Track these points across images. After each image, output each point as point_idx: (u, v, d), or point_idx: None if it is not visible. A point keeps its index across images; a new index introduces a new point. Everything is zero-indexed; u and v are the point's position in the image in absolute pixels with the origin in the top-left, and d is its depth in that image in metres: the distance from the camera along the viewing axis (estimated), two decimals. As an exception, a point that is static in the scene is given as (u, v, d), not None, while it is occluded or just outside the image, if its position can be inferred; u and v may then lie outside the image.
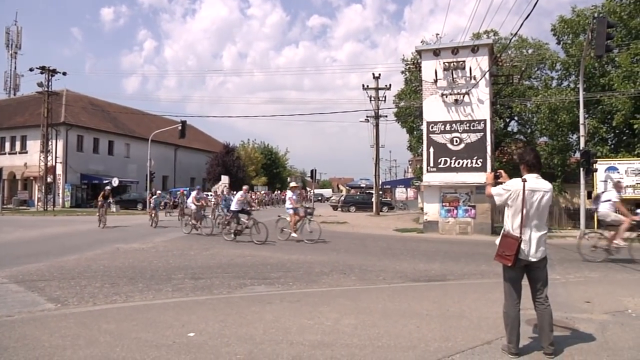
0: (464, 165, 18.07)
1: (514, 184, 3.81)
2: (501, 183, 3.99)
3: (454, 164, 18.24)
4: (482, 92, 18.11)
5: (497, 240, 3.86)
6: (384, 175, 78.60)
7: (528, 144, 27.87)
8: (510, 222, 3.80)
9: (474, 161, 17.96)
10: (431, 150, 18.68)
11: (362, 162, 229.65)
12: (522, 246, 3.68)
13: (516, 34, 15.20)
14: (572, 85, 24.63)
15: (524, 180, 3.77)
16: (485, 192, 4.13)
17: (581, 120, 17.32)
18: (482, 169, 17.77)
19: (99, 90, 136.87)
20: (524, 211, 3.71)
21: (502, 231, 3.86)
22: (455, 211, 17.92)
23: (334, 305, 5.59)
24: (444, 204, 18.04)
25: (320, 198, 59.02)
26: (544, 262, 3.80)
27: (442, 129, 18.52)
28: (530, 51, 27.48)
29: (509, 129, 29.46)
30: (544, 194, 3.77)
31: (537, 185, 3.78)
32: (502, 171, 4.15)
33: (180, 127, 30.13)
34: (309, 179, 67.17)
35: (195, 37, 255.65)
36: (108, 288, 6.81)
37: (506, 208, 3.86)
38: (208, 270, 8.53)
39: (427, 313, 5.24)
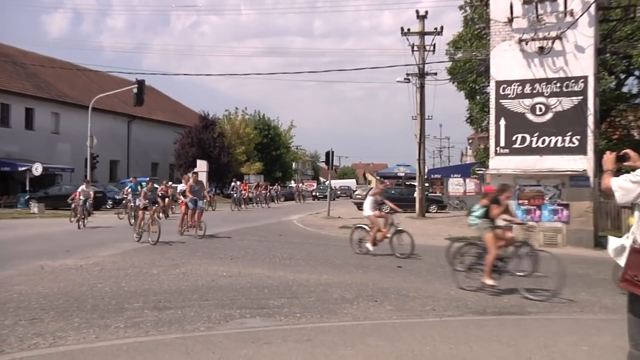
0: (552, 145, 17.89)
1: None
2: (628, 171, 3.90)
3: (537, 142, 18.07)
4: (583, 34, 17.76)
5: (617, 257, 3.80)
6: (432, 160, 78.76)
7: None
8: None
9: (567, 139, 17.76)
10: (502, 122, 18.55)
11: (400, 141, 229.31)
12: None
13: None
14: None
15: None
16: (601, 184, 4.05)
17: None
18: (580, 150, 17.56)
19: (6, 31, 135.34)
20: None
21: (631, 244, 3.81)
22: (537, 212, 17.79)
23: (361, 347, 5.62)
24: (520, 201, 17.91)
25: (336, 191, 59.23)
26: None
27: (518, 92, 18.34)
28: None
29: (625, 89, 28.89)
30: None
31: None
32: (629, 151, 4.08)
33: (135, 90, 30.30)
34: (323, 164, 67.38)
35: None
36: (25, 327, 6.76)
37: (636, 210, 3.82)
38: (179, 296, 8.60)
39: (499, 361, 5.23)
